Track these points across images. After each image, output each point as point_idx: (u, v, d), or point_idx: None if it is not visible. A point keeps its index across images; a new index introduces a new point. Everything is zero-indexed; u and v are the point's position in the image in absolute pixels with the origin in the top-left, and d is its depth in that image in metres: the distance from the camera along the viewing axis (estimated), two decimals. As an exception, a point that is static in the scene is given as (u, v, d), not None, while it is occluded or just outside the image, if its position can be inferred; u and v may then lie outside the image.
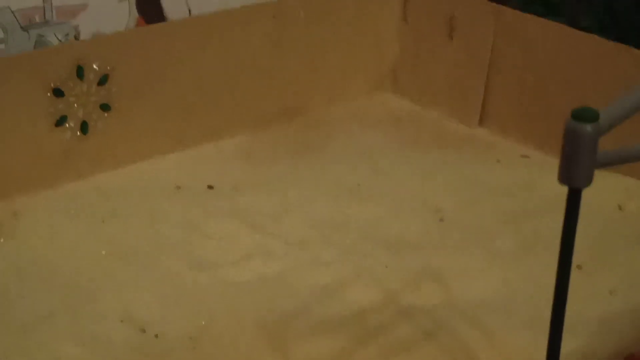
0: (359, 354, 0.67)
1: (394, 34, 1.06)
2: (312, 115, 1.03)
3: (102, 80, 0.86)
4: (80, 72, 0.84)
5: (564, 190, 0.45)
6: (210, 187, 0.88)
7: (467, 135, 1.01)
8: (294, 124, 1.01)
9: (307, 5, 0.99)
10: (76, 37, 0.84)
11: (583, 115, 0.41)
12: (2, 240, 0.79)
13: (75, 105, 0.85)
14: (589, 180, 0.42)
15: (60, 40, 0.84)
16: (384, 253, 0.79)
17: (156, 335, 0.69)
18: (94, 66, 0.85)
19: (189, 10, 0.90)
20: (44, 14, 0.82)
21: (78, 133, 0.86)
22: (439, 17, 1.03)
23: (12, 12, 0.80)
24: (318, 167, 0.93)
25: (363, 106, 1.06)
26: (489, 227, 0.84)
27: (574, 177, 0.41)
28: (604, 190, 0.86)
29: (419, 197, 0.88)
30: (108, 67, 0.85)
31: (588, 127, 0.41)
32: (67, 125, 0.85)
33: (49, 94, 0.83)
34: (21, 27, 0.81)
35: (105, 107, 0.87)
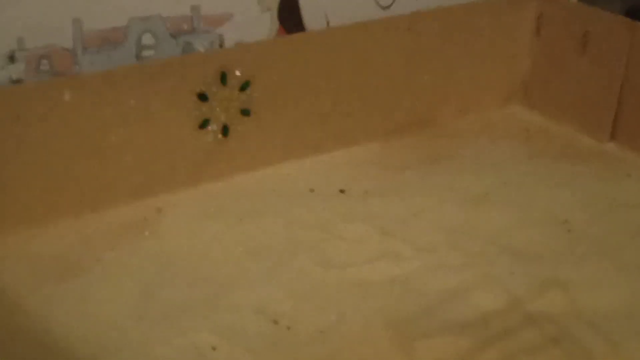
0: (483, 357, 0.69)
1: (526, 47, 1.07)
2: (443, 125, 1.05)
3: (244, 87, 0.90)
4: (223, 78, 0.88)
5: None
6: (342, 191, 0.91)
7: (598, 150, 1.01)
8: (425, 133, 1.03)
9: (441, 18, 1.01)
10: (221, 45, 0.89)
11: None
12: (147, 234, 0.83)
13: (218, 109, 0.89)
14: None
15: (205, 48, 0.88)
16: (510, 260, 0.80)
17: (288, 328, 0.72)
18: (237, 73, 0.89)
19: (327, 22, 0.94)
20: (192, 22, 0.87)
21: (219, 136, 0.90)
22: (573, 31, 1.03)
23: (163, 20, 0.85)
24: (447, 176, 0.95)
25: (493, 118, 1.08)
26: (618, 239, 0.84)
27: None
28: None
29: (547, 208, 0.89)
30: (250, 74, 0.90)
31: None
32: (209, 128, 0.90)
33: (194, 98, 0.88)
34: (170, 35, 0.86)
35: (245, 112, 0.91)
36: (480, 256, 0.81)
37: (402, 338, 0.71)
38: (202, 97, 0.88)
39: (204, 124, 0.89)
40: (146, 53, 0.85)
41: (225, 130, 0.91)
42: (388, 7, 0.98)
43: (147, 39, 0.85)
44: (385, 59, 0.98)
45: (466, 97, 1.06)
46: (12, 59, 0.77)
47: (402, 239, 0.83)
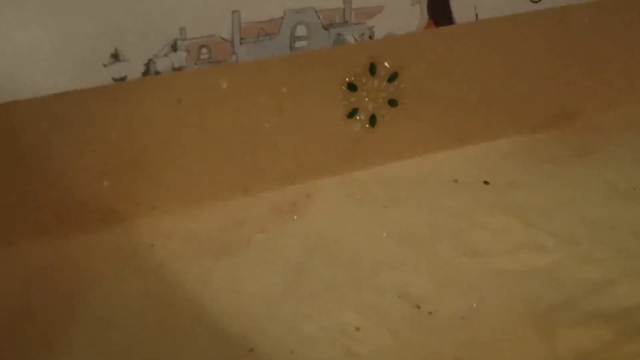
0: (625, 349, 0.69)
1: (680, 41, 1.05)
2: (590, 119, 1.04)
3: (392, 78, 0.92)
4: (372, 69, 0.91)
5: None
6: (486, 182, 0.92)
7: None
8: (572, 126, 1.02)
9: (592, 12, 1.00)
10: (370, 37, 0.91)
11: None
12: (295, 217, 0.87)
13: (366, 99, 0.92)
14: None
15: (356, 39, 0.91)
16: (656, 255, 0.80)
17: (430, 312, 0.74)
18: (386, 64, 0.91)
19: (476, 15, 0.95)
20: (344, 15, 0.90)
21: (367, 125, 0.93)
22: None
23: (316, 12, 0.88)
24: (593, 169, 0.94)
25: (643, 113, 1.07)
26: None
27: None
28: None
29: (697, 205, 0.88)
30: (398, 66, 0.92)
31: None
32: (357, 117, 0.92)
33: (343, 88, 0.90)
34: (323, 26, 0.89)
35: (392, 103, 0.93)
36: (625, 250, 0.81)
37: (543, 327, 0.72)
38: (352, 87, 0.91)
39: (352, 114, 0.92)
40: (299, 44, 0.88)
41: (372, 120, 0.93)
42: (538, 0, 0.98)
43: (301, 31, 0.88)
44: (534, 52, 0.99)
45: (615, 91, 1.05)
46: (174, 47, 0.82)
47: (545, 230, 0.84)
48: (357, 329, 0.73)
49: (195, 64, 0.84)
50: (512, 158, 0.97)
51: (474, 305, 0.75)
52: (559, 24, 0.99)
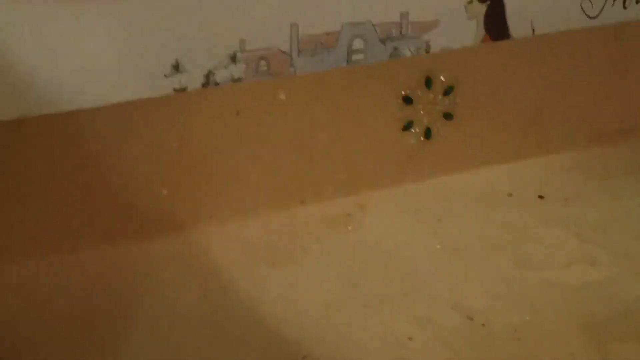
0: (680, 364, 0.69)
1: None
2: (648, 135, 1.04)
3: (448, 91, 0.93)
4: (428, 83, 0.92)
5: None
6: (541, 197, 0.93)
7: None
8: (629, 142, 1.02)
9: (650, 28, 1.00)
10: (427, 51, 0.92)
11: None
12: (350, 228, 0.88)
13: (422, 112, 0.92)
14: None
15: (412, 53, 0.92)
16: None
17: (483, 324, 0.74)
18: (441, 78, 0.92)
19: (533, 30, 0.95)
20: (401, 28, 0.91)
21: (422, 138, 0.94)
22: None
23: (373, 26, 0.89)
24: (651, 186, 0.94)
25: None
26: None
27: None
28: None
29: None
30: (454, 79, 0.92)
31: None
32: (413, 130, 0.93)
33: (399, 101, 0.91)
34: (379, 40, 0.90)
35: (448, 116, 0.94)
36: (681, 265, 0.81)
37: (597, 340, 0.72)
38: (407, 100, 0.91)
39: (407, 126, 0.93)
40: (356, 57, 0.89)
41: (427, 133, 0.94)
42: (595, 17, 0.98)
43: (358, 44, 0.89)
44: (590, 68, 0.99)
45: (673, 108, 1.05)
46: (234, 59, 0.84)
47: (600, 245, 0.84)
48: (410, 339, 0.73)
49: (254, 75, 0.85)
50: (567, 173, 0.97)
51: (527, 318, 0.75)
52: (616, 40, 0.98)
